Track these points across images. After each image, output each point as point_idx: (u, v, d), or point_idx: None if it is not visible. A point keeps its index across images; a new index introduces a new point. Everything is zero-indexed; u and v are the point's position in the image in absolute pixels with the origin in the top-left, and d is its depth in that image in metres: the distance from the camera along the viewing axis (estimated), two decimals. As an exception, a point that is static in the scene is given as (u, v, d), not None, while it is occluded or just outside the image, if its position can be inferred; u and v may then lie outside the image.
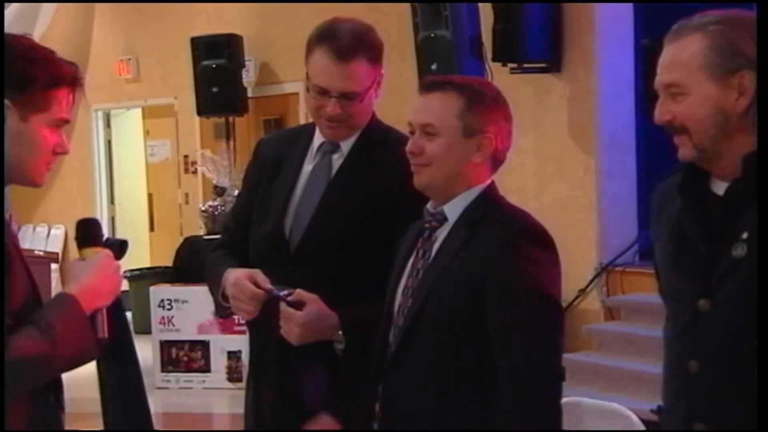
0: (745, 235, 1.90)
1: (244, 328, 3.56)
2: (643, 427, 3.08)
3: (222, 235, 2.88)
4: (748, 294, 1.90)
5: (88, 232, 2.09)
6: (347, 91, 2.49)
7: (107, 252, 2.06)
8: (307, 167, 2.61)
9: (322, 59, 2.49)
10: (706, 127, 1.92)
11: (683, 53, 1.92)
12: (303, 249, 2.55)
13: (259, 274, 2.44)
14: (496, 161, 2.32)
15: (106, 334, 2.00)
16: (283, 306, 2.41)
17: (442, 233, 2.29)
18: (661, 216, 2.09)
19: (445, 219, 2.29)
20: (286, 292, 2.41)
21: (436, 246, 2.29)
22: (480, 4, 6.43)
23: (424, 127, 2.25)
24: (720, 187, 1.97)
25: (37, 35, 10.29)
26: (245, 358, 6.30)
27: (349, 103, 2.50)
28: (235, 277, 2.45)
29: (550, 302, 2.20)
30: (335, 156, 2.60)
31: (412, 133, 2.29)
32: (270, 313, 2.44)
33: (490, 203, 2.28)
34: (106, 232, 2.19)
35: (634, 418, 3.11)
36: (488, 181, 2.31)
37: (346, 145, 2.59)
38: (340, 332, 2.43)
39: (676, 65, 1.93)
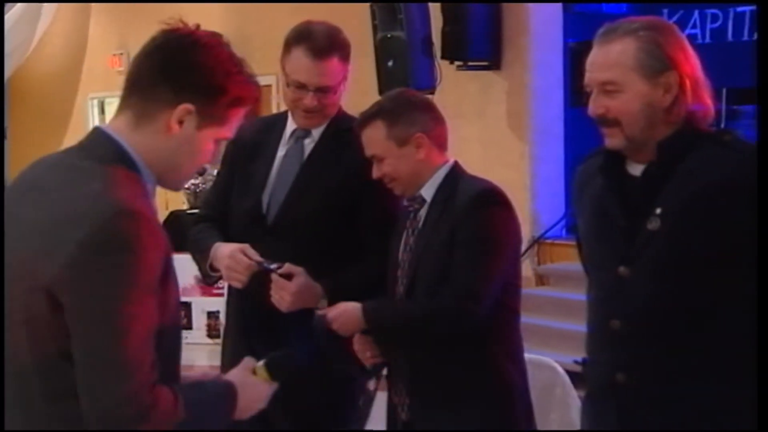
0: (658, 211, 1.91)
1: (222, 291, 3.53)
2: (566, 376, 3.13)
3: (202, 209, 2.85)
4: (663, 261, 1.91)
5: (281, 364, 1.79)
6: (323, 86, 2.50)
7: (275, 386, 1.76)
8: (282, 151, 2.61)
9: (301, 57, 2.49)
10: (637, 120, 1.92)
11: (617, 55, 1.92)
12: (279, 223, 2.55)
13: (249, 249, 2.43)
14: (440, 146, 2.40)
15: None
16: (275, 277, 2.40)
17: (423, 212, 2.37)
18: (583, 194, 2.09)
19: (424, 200, 2.36)
20: (275, 265, 2.40)
21: (419, 223, 2.36)
22: (431, 8, 6.40)
23: (373, 157, 2.35)
24: (636, 169, 1.98)
25: (39, 31, 10.12)
26: (222, 317, 6.28)
27: (324, 95, 2.52)
28: (230, 250, 2.44)
29: (493, 246, 2.28)
30: (307, 141, 2.60)
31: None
32: (261, 283, 2.42)
33: (456, 179, 2.37)
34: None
35: (560, 368, 3.15)
36: (450, 162, 2.39)
37: (317, 132, 2.60)
38: (324, 300, 2.44)
39: (611, 65, 1.92)
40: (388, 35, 6.42)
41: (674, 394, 1.92)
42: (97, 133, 1.60)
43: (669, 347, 1.91)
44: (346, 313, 2.32)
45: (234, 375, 1.72)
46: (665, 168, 1.92)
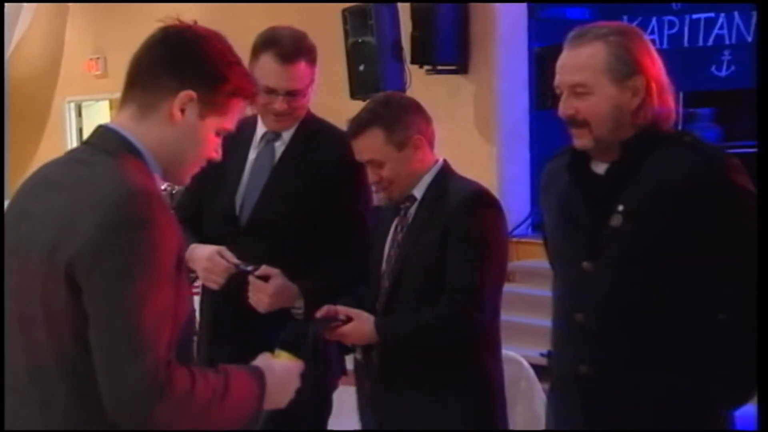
0: (621, 208, 1.93)
1: (197, 291, 3.51)
2: (531, 369, 3.15)
3: (177, 211, 2.83)
4: (624, 256, 1.92)
5: (295, 340, 1.77)
6: (292, 89, 2.49)
7: (301, 365, 1.72)
8: (253, 153, 2.60)
9: (270, 63, 2.47)
10: (606, 121, 1.93)
11: (588, 58, 1.93)
12: (252, 224, 2.54)
13: (227, 251, 2.41)
14: (431, 144, 2.39)
15: None
16: (252, 279, 2.38)
17: (413, 210, 2.36)
18: (550, 192, 2.10)
19: (414, 198, 2.35)
20: (252, 267, 2.38)
21: (409, 220, 2.35)
22: (400, 14, 6.41)
23: (370, 162, 2.33)
24: (600, 168, 1.99)
25: (17, 35, 10.00)
26: (197, 314, 6.23)
27: (293, 99, 2.51)
28: (208, 253, 2.42)
29: (488, 249, 2.28)
30: (277, 143, 2.59)
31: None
32: (237, 285, 2.40)
33: (446, 178, 2.37)
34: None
35: (525, 362, 3.17)
36: (440, 162, 2.39)
37: (287, 134, 2.58)
38: (301, 300, 2.43)
39: (582, 68, 1.93)
40: (359, 40, 6.42)
41: (635, 384, 1.93)
42: (103, 130, 1.59)
43: (630, 339, 1.93)
44: (358, 329, 2.28)
45: (257, 362, 1.67)
46: (628, 167, 1.94)
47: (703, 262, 1.89)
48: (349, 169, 2.49)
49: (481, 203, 2.32)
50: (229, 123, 1.64)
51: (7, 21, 9.44)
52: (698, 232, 1.87)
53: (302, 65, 2.49)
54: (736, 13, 6.33)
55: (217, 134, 1.64)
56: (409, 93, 6.15)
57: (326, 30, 6.86)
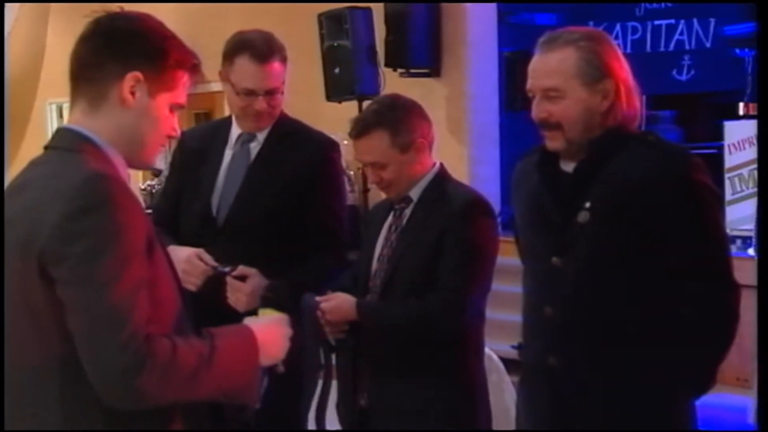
0: (587, 205, 1.94)
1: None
2: (501, 363, 3.18)
3: (153, 214, 2.81)
4: (591, 252, 1.94)
5: (277, 297, 1.74)
6: (270, 88, 2.49)
7: (287, 317, 1.67)
8: (228, 155, 2.58)
9: (246, 65, 2.47)
10: (578, 123, 1.94)
11: (559, 63, 1.94)
12: (229, 224, 2.52)
13: (204, 254, 2.39)
14: (431, 147, 2.40)
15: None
16: (230, 279, 2.37)
17: (408, 211, 2.35)
18: (521, 190, 2.11)
19: (411, 200, 2.35)
20: (229, 268, 2.37)
21: (404, 221, 2.35)
22: (374, 19, 6.41)
23: (373, 164, 2.33)
24: (569, 166, 2.00)
25: (-1, 38, 9.88)
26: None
27: (272, 98, 2.51)
28: (186, 255, 2.39)
29: (481, 255, 2.30)
30: (252, 144, 2.57)
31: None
32: (215, 286, 2.39)
33: (443, 181, 2.37)
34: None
35: (495, 356, 3.19)
36: (437, 165, 2.38)
37: (261, 135, 2.57)
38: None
39: (554, 72, 1.94)
40: (335, 44, 6.41)
41: (602, 375, 1.94)
42: (60, 131, 1.59)
43: (597, 332, 1.94)
44: (340, 305, 2.28)
45: (243, 323, 1.64)
46: (594, 165, 1.95)
47: (667, 257, 1.90)
48: (323, 168, 2.49)
49: (480, 211, 2.32)
50: (180, 97, 1.61)
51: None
52: (662, 227, 1.89)
53: (276, 64, 2.49)
54: (695, 20, 6.43)
55: (171, 110, 1.61)
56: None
57: (302, 34, 6.85)
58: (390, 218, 2.38)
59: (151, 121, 1.58)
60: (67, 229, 1.41)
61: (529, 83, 1.98)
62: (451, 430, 2.30)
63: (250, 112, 2.51)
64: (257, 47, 2.47)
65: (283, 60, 2.52)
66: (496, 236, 2.37)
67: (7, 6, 9.68)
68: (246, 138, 2.58)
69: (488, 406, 2.41)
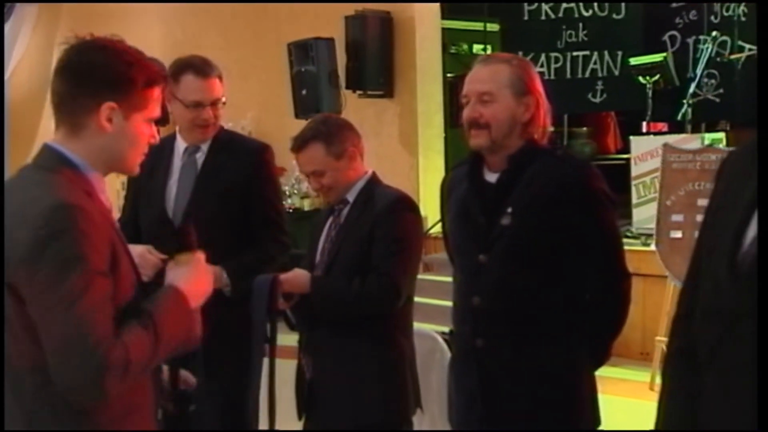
0: (509, 209, 1.96)
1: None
2: (444, 343, 3.17)
3: (121, 216, 2.81)
4: (512, 249, 1.96)
5: (185, 239, 1.64)
6: (215, 98, 2.56)
7: (201, 255, 1.61)
8: (178, 165, 2.62)
9: (192, 81, 2.53)
10: (504, 126, 1.97)
11: (494, 73, 1.98)
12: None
13: (153, 250, 2.39)
14: (362, 156, 2.41)
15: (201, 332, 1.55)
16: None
17: (345, 211, 2.38)
18: (451, 196, 2.13)
19: (348, 201, 2.37)
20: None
21: (342, 219, 2.37)
22: (336, 48, 6.41)
23: (312, 173, 2.34)
24: (492, 177, 2.03)
25: (14, 61, 9.68)
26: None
27: (215, 108, 2.57)
28: (139, 251, 2.37)
29: (406, 244, 2.32)
30: (198, 155, 2.63)
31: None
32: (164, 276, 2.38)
33: (374, 186, 2.40)
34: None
35: (439, 338, 3.19)
36: (369, 172, 2.43)
37: (205, 146, 2.62)
38: (227, 278, 2.44)
39: (489, 80, 1.97)
40: (302, 69, 6.41)
41: (521, 353, 1.96)
42: (44, 148, 1.53)
43: (517, 317, 1.96)
44: (296, 277, 2.30)
45: (166, 280, 1.57)
46: (514, 175, 1.98)
47: (573, 253, 1.94)
48: (260, 169, 2.57)
49: (401, 207, 2.34)
50: (154, 111, 1.55)
51: (8, 41, 9.12)
52: (568, 228, 1.92)
53: (216, 79, 2.56)
54: (606, 52, 6.66)
55: (148, 123, 1.55)
56: (344, 114, 6.14)
57: (274, 60, 6.83)
58: (331, 218, 2.40)
59: (129, 140, 1.53)
60: (33, 255, 1.37)
61: (466, 89, 2.00)
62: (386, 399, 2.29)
63: (199, 123, 2.55)
64: (198, 66, 2.54)
65: (220, 77, 2.58)
66: (419, 228, 2.40)
67: (18, 36, 9.47)
68: (192, 150, 2.63)
69: (416, 377, 2.41)
